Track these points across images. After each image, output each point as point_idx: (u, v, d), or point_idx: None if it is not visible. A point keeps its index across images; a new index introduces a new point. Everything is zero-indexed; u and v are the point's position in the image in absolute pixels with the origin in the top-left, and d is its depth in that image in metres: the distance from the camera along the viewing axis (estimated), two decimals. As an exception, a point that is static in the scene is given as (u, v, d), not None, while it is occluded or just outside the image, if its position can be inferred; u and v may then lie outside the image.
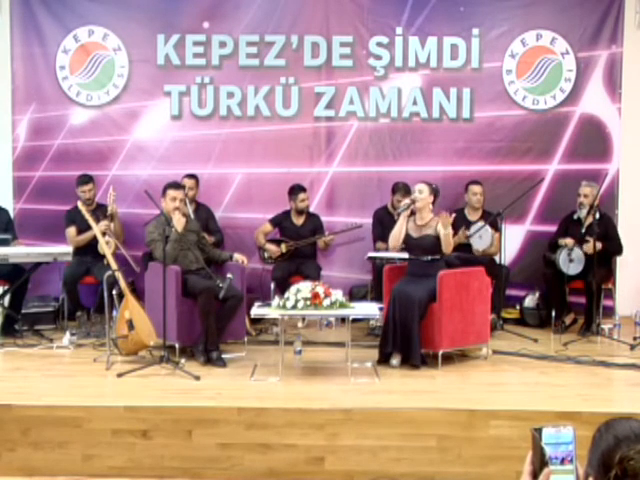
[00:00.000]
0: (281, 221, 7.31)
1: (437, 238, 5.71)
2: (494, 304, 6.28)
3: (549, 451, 1.58)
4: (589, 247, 6.47)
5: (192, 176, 7.18)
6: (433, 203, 5.86)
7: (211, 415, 4.59)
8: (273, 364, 5.46)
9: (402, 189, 7.00)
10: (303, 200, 7.20)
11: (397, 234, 5.81)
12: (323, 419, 4.52)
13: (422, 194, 5.77)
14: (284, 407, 4.63)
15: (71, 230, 6.89)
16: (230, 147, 7.60)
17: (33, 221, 7.45)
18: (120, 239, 6.88)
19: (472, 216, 7.05)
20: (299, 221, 7.30)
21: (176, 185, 6.11)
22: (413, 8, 7.47)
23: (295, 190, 7.21)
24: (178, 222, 5.82)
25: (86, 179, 6.98)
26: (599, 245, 6.45)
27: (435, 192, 5.88)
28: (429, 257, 5.73)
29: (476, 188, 7.06)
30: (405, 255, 5.98)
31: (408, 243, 5.84)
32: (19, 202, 7.57)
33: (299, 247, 7.17)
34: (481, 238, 6.75)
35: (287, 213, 7.31)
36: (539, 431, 1.60)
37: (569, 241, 6.64)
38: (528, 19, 7.49)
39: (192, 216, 6.71)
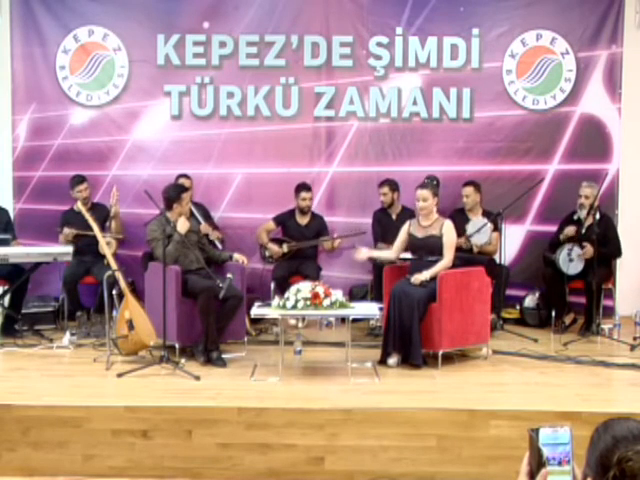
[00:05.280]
0: (285, 220, 7.31)
1: (441, 239, 5.72)
2: (494, 304, 6.28)
3: (546, 452, 1.58)
4: (587, 252, 6.47)
5: (187, 176, 7.19)
6: (438, 199, 5.87)
7: (211, 415, 4.59)
8: (273, 364, 5.47)
9: (387, 184, 7.11)
10: (305, 199, 7.20)
11: (399, 246, 5.95)
12: (323, 419, 4.53)
13: (427, 202, 5.77)
14: (284, 407, 4.63)
15: (62, 237, 6.89)
16: (230, 147, 7.60)
17: (33, 221, 7.45)
18: (120, 235, 6.91)
19: (472, 215, 7.03)
20: (303, 221, 7.29)
21: (186, 188, 6.22)
22: (413, 8, 7.47)
23: (299, 188, 7.22)
24: (183, 225, 5.84)
25: (81, 178, 6.99)
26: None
27: (437, 189, 5.91)
28: (433, 257, 5.73)
29: (466, 190, 7.00)
30: (407, 255, 5.99)
31: (413, 243, 5.85)
32: (19, 202, 7.57)
33: (301, 248, 7.17)
34: (480, 232, 6.75)
35: (292, 212, 7.31)
36: (536, 432, 1.60)
37: (570, 230, 6.62)
38: (528, 19, 7.49)
39: (198, 215, 6.72)
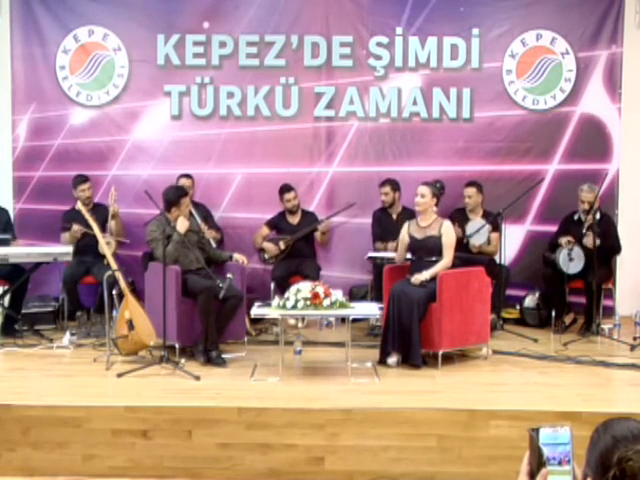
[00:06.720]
0: (277, 222, 7.33)
1: (440, 239, 5.72)
2: (494, 304, 6.28)
3: (547, 452, 1.58)
4: (589, 240, 6.45)
5: (188, 176, 7.19)
6: (438, 200, 5.87)
7: (211, 415, 4.59)
8: (273, 364, 5.47)
9: (388, 184, 7.11)
10: (289, 200, 7.22)
11: (403, 249, 5.92)
12: (323, 419, 4.53)
13: (424, 198, 5.77)
14: (284, 407, 4.63)
15: (66, 235, 6.88)
16: (230, 147, 7.60)
17: (33, 221, 7.46)
18: (122, 238, 6.91)
19: (472, 216, 7.03)
20: (295, 220, 7.31)
21: (186, 192, 6.19)
22: (413, 8, 7.46)
23: (282, 190, 7.24)
24: (182, 225, 5.84)
25: (84, 178, 7.00)
26: (598, 241, 6.42)
27: (439, 191, 5.91)
28: (432, 258, 5.73)
29: (468, 190, 7.01)
30: (407, 255, 5.98)
31: (412, 245, 5.84)
32: (19, 202, 7.57)
33: (298, 244, 7.18)
34: (479, 233, 6.75)
35: (282, 214, 7.33)
36: (536, 431, 1.60)
37: (568, 239, 6.62)
38: (528, 19, 7.48)
39: (196, 216, 6.71)
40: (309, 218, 7.35)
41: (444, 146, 7.54)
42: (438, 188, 6.14)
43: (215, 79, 7.54)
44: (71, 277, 6.78)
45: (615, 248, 6.91)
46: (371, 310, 5.73)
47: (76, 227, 6.75)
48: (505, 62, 7.52)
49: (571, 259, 6.56)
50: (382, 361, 5.63)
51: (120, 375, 5.25)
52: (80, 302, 6.83)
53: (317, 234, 7.32)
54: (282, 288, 6.38)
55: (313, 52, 7.50)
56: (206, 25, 7.50)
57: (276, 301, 5.41)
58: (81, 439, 4.54)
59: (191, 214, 6.50)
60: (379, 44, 7.52)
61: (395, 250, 6.21)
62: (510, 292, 7.17)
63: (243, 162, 7.59)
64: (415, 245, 5.82)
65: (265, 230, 7.32)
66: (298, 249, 7.21)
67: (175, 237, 5.78)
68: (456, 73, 7.52)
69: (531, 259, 7.43)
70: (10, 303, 6.67)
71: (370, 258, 6.88)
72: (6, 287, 6.65)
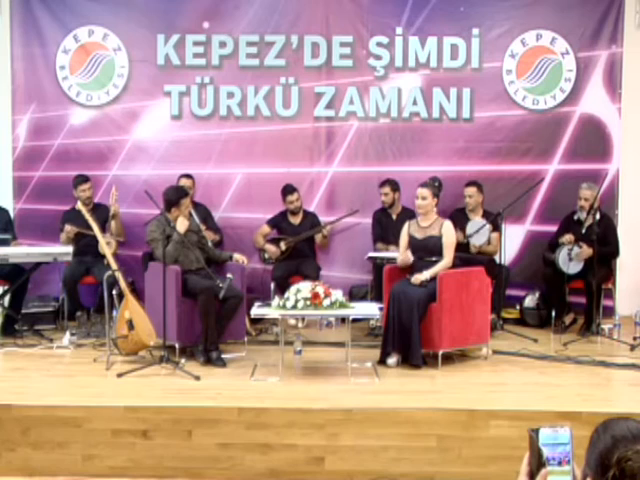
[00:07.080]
0: (278, 222, 7.32)
1: (441, 239, 5.72)
2: (494, 304, 6.28)
3: (547, 452, 1.58)
4: (583, 253, 6.46)
5: (189, 176, 7.19)
6: (438, 199, 5.87)
7: (211, 415, 4.59)
8: (273, 364, 5.47)
9: (388, 184, 7.11)
10: (291, 202, 7.20)
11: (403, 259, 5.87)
12: (323, 419, 4.53)
13: (425, 200, 5.77)
14: (284, 407, 4.63)
15: (63, 236, 6.88)
16: (230, 147, 7.60)
17: (33, 221, 7.45)
18: (121, 238, 6.91)
19: (473, 216, 7.03)
20: (296, 220, 7.30)
21: (187, 193, 6.18)
22: (413, 8, 7.46)
23: (285, 192, 7.21)
24: (181, 225, 5.84)
25: (84, 178, 7.00)
26: (590, 251, 6.44)
27: (438, 189, 5.91)
28: (433, 258, 5.72)
29: (468, 190, 7.01)
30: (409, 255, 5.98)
31: (413, 245, 5.84)
32: (19, 202, 7.57)
33: (298, 245, 7.18)
34: (478, 233, 6.76)
35: (284, 214, 7.32)
36: (536, 432, 1.60)
37: (569, 237, 6.62)
38: (528, 19, 7.48)
39: (195, 216, 6.71)
40: (310, 218, 7.35)
41: (444, 146, 7.53)
42: (437, 187, 6.14)
43: (215, 79, 7.54)
44: (71, 277, 6.78)
45: (614, 254, 6.90)
46: (371, 310, 5.73)
47: (68, 227, 6.77)
48: (505, 62, 7.52)
49: (571, 259, 6.55)
50: (382, 361, 5.64)
51: (120, 375, 5.25)
52: (80, 302, 6.83)
53: (317, 237, 7.31)
54: (282, 288, 6.38)
55: (313, 52, 7.50)
56: (206, 25, 7.50)
57: (276, 301, 5.41)
58: (81, 439, 4.55)
59: (190, 214, 6.50)
60: (379, 44, 7.51)
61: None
62: (510, 292, 7.17)
63: (243, 162, 7.58)
64: (415, 245, 5.82)
65: (266, 229, 7.32)
66: (298, 249, 7.21)
67: (175, 237, 5.79)
68: (456, 73, 7.52)
69: (531, 259, 7.43)
70: (10, 303, 6.68)
71: (370, 258, 6.88)
72: (6, 287, 6.65)
